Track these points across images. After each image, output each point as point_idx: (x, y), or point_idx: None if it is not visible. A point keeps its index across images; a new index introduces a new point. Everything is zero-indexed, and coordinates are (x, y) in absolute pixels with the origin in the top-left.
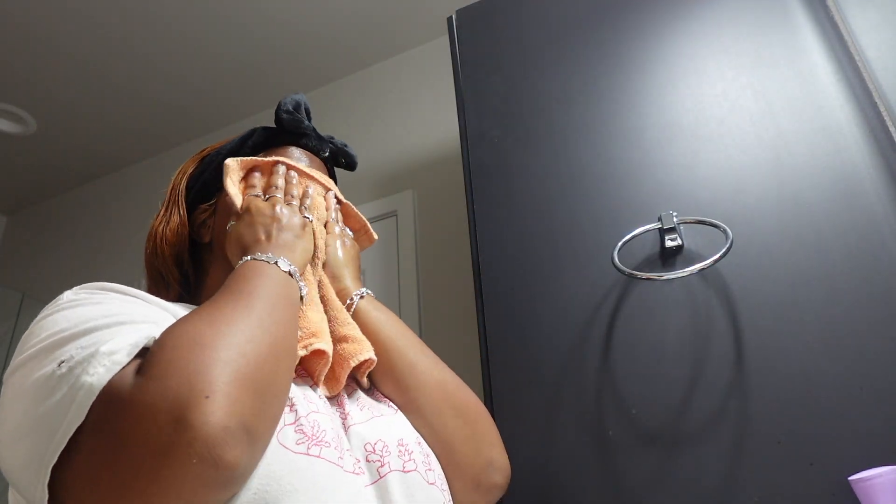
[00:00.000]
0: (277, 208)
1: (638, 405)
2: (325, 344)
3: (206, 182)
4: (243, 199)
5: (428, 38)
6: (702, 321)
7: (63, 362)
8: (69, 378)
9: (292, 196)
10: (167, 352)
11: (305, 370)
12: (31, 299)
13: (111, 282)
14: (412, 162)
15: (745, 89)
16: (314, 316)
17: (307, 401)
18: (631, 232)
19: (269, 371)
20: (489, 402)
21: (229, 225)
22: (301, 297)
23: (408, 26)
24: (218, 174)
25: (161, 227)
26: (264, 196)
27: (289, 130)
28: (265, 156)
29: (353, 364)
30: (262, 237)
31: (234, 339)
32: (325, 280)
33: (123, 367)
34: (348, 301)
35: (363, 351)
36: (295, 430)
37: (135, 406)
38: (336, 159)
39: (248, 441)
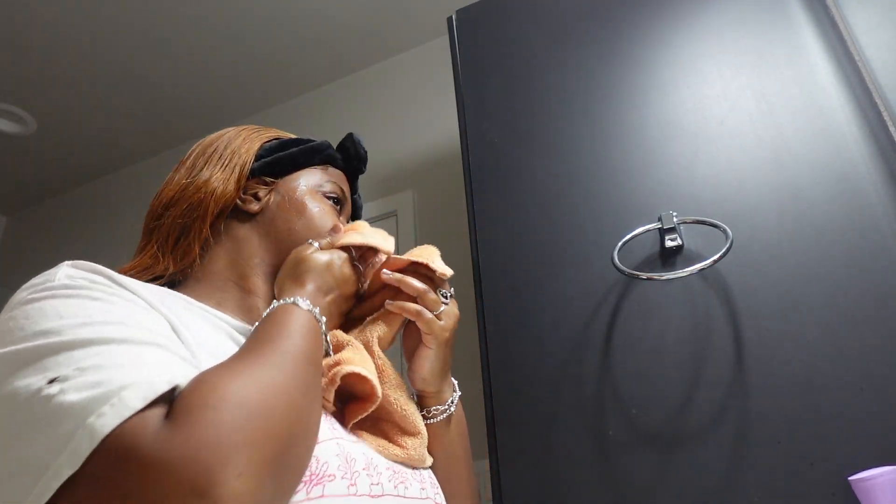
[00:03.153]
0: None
1: (638, 405)
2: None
3: (283, 160)
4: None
5: (428, 39)
6: (702, 321)
7: (53, 381)
8: (61, 406)
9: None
10: (208, 413)
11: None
12: None
13: None
14: (412, 162)
15: (745, 89)
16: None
17: None
18: (631, 232)
19: (304, 453)
20: (489, 402)
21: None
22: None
23: (408, 26)
24: (296, 158)
25: (216, 183)
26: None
27: (359, 159)
28: (324, 170)
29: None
30: (325, 288)
31: (285, 415)
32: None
33: (139, 413)
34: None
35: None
36: None
37: (155, 467)
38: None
39: None
